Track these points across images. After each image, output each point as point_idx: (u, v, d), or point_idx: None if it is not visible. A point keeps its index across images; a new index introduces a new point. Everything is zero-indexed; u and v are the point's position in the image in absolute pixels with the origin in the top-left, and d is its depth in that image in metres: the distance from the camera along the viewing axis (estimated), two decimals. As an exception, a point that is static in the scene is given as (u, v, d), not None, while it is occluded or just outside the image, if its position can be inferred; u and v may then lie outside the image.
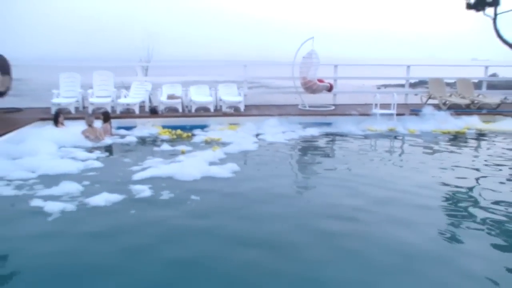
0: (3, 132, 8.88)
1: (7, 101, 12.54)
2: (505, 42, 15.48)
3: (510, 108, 12.67)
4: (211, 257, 4.29)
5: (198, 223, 5.11)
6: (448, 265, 4.16)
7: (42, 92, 13.30)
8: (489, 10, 15.48)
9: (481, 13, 15.59)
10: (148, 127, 10.47)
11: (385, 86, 24.31)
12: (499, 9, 15.33)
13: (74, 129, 9.38)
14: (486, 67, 14.45)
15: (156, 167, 7.15)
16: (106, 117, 9.83)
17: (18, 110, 12.13)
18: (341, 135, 10.33)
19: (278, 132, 10.21)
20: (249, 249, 4.47)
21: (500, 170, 7.50)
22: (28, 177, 6.53)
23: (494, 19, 15.40)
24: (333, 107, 12.67)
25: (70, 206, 5.36)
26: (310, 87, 12.38)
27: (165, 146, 8.71)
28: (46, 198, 5.63)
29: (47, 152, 7.77)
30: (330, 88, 12.70)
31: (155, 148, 8.71)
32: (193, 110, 11.75)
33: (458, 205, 5.95)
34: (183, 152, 8.19)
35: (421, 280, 3.92)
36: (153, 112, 11.41)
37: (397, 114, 11.20)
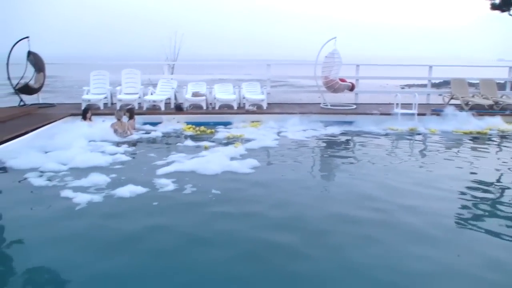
0: (37, 127, 9.36)
1: (41, 97, 13.16)
2: None
3: (535, 109, 12.54)
4: (231, 241, 4.60)
5: (218, 211, 5.40)
6: (469, 256, 4.37)
7: (75, 89, 13.86)
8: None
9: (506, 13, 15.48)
10: (173, 123, 10.86)
11: (409, 86, 24.19)
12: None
13: (102, 124, 9.82)
14: (510, 68, 14.28)
15: (179, 161, 7.46)
16: (132, 113, 10.22)
17: (51, 105, 12.68)
18: (362, 134, 10.48)
19: (300, 130, 10.45)
20: (268, 236, 4.70)
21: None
22: (59, 169, 6.91)
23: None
24: (354, 106, 12.79)
25: (97, 197, 5.67)
26: (332, 86, 12.53)
27: (189, 142, 9.02)
28: (76, 189, 5.97)
29: (78, 145, 8.16)
30: (352, 88, 12.84)
31: (179, 144, 9.04)
32: (216, 108, 12.06)
33: (477, 203, 5.98)
34: (206, 148, 8.49)
35: (444, 272, 4.07)
36: (178, 109, 11.77)
37: (418, 114, 11.26)
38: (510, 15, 15.40)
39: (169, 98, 12.27)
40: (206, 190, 6.08)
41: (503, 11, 15.44)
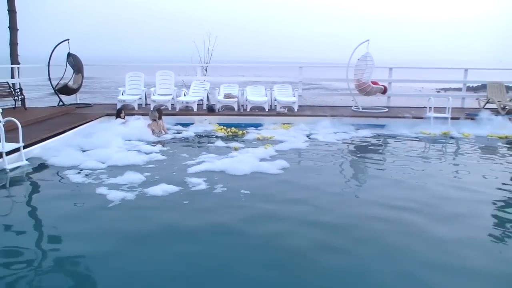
0: (74, 126, 9.73)
1: (79, 97, 13.63)
2: None
3: None
4: (259, 238, 4.69)
5: (247, 209, 5.51)
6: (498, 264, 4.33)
7: (112, 90, 14.32)
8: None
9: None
10: (205, 124, 11.06)
11: (445, 90, 23.72)
12: None
13: (138, 124, 10.11)
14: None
15: (210, 161, 7.61)
16: (160, 114, 10.44)
17: (87, 105, 13.10)
18: (394, 137, 10.38)
19: (331, 132, 10.45)
20: (297, 235, 4.78)
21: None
22: (97, 166, 7.16)
23: None
24: (386, 110, 12.68)
25: (130, 195, 5.84)
26: (364, 89, 12.48)
27: (220, 143, 9.18)
28: (111, 186, 6.18)
29: (115, 144, 8.46)
30: (384, 91, 12.74)
31: (210, 144, 9.21)
32: (248, 109, 12.19)
33: (508, 208, 5.90)
34: (236, 149, 8.61)
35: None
36: (210, 110, 11.95)
37: (452, 118, 11.09)
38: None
39: (201, 100, 12.48)
40: (235, 189, 6.19)
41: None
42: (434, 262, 4.22)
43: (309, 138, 9.92)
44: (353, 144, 9.78)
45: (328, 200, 6.00)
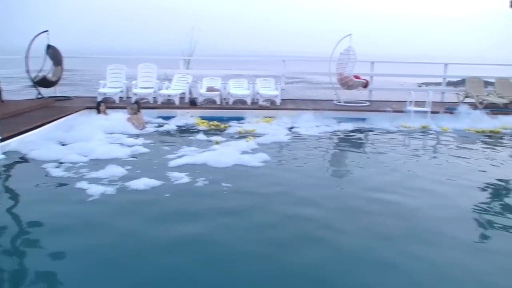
0: (53, 119, 9.58)
1: (59, 90, 13.44)
2: None
3: (552, 109, 12.37)
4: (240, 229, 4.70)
5: (229, 203, 5.54)
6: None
7: (93, 83, 14.13)
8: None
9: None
10: (187, 118, 11.02)
11: (427, 84, 23.98)
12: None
13: (119, 117, 10.01)
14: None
15: (192, 155, 7.58)
16: (138, 107, 10.35)
17: (67, 98, 12.92)
18: (374, 130, 10.54)
19: (312, 125, 10.52)
20: (277, 227, 4.83)
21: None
22: (78, 160, 7.05)
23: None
24: (368, 103, 12.79)
25: (110, 189, 5.77)
26: (346, 83, 12.57)
27: (202, 136, 9.17)
28: (91, 180, 6.10)
29: (96, 138, 8.34)
30: (365, 85, 12.85)
31: (192, 138, 9.18)
32: (230, 103, 12.17)
33: (487, 200, 6.09)
34: (217, 143, 8.60)
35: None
36: (193, 103, 11.90)
37: (432, 112, 11.26)
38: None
39: (183, 93, 12.40)
40: (217, 182, 6.21)
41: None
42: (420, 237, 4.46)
43: (291, 132, 9.98)
44: (335, 137, 9.88)
45: (309, 191, 6.07)
